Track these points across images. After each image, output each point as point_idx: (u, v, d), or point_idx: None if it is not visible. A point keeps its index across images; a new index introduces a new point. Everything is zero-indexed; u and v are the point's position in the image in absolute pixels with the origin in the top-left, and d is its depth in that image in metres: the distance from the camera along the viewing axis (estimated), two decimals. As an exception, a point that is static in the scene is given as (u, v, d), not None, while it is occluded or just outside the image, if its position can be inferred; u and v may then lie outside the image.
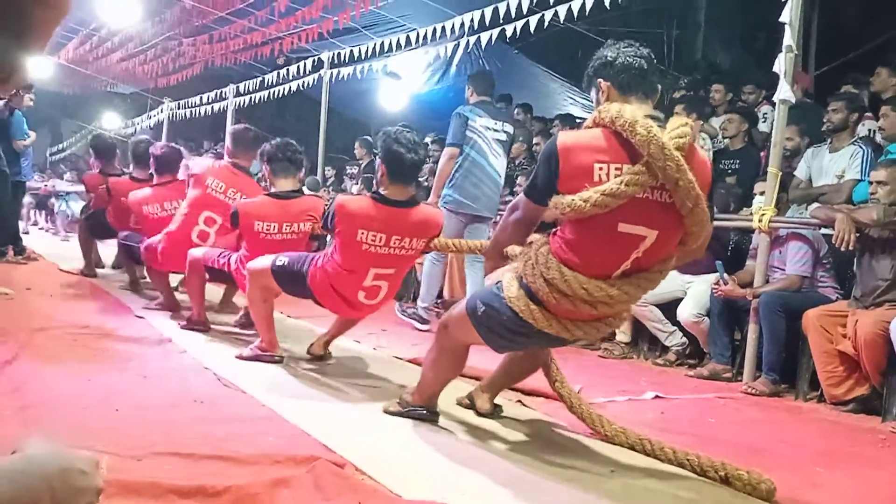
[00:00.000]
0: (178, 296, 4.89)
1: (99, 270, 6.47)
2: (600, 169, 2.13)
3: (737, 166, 5.32)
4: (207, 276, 4.18)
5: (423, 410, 2.73)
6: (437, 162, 7.65)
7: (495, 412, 2.91)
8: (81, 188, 9.40)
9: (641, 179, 2.09)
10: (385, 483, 2.09)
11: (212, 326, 4.25)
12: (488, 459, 2.39)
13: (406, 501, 1.99)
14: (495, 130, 5.16)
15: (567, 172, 2.17)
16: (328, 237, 3.69)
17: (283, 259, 3.38)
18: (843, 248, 3.69)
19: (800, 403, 3.82)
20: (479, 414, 2.90)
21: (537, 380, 3.10)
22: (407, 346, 4.39)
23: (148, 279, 5.41)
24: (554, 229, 2.37)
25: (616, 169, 2.13)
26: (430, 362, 2.71)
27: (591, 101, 2.42)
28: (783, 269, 4.15)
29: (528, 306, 2.31)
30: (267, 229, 3.71)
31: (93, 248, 6.41)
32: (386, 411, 2.81)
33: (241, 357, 3.55)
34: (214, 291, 4.79)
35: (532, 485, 2.19)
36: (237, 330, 4.34)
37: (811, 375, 3.85)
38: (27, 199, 11.74)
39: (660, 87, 2.34)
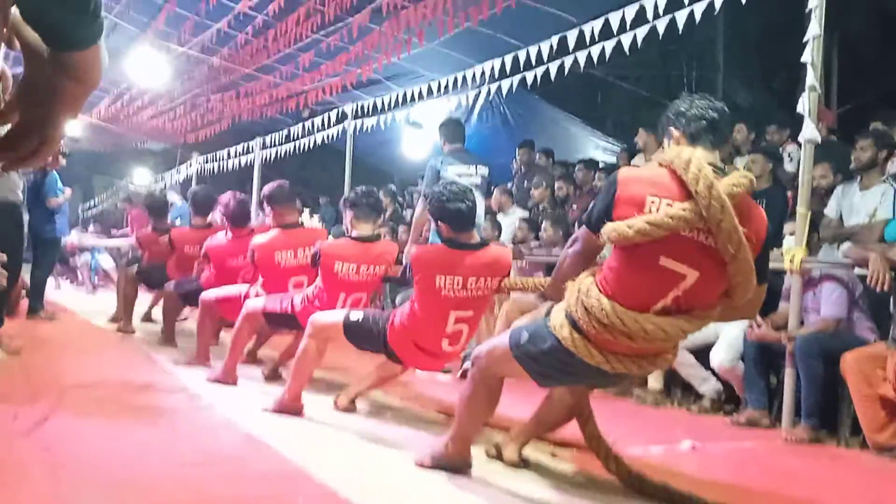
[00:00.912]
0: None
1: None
2: (652, 202, 2.21)
3: (763, 206, 5.24)
4: (267, 323, 4.31)
5: (456, 461, 2.70)
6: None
7: (522, 463, 2.88)
8: (113, 243, 9.59)
9: (687, 216, 2.14)
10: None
11: (238, 379, 4.26)
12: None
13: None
14: (469, 175, 5.36)
15: (622, 200, 2.25)
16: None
17: (357, 315, 3.49)
18: (878, 289, 3.61)
19: (842, 450, 3.69)
20: (507, 464, 2.86)
21: (570, 431, 3.04)
22: (436, 395, 4.35)
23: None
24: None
25: (668, 205, 2.20)
26: (464, 400, 2.70)
27: (665, 145, 2.50)
28: (818, 311, 4.06)
29: (571, 335, 2.35)
30: (346, 270, 3.84)
31: (135, 303, 6.43)
32: (418, 464, 2.77)
33: (266, 410, 3.57)
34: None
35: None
36: (263, 383, 4.34)
37: (853, 420, 3.73)
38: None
39: (730, 139, 2.40)
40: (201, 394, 3.90)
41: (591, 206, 2.43)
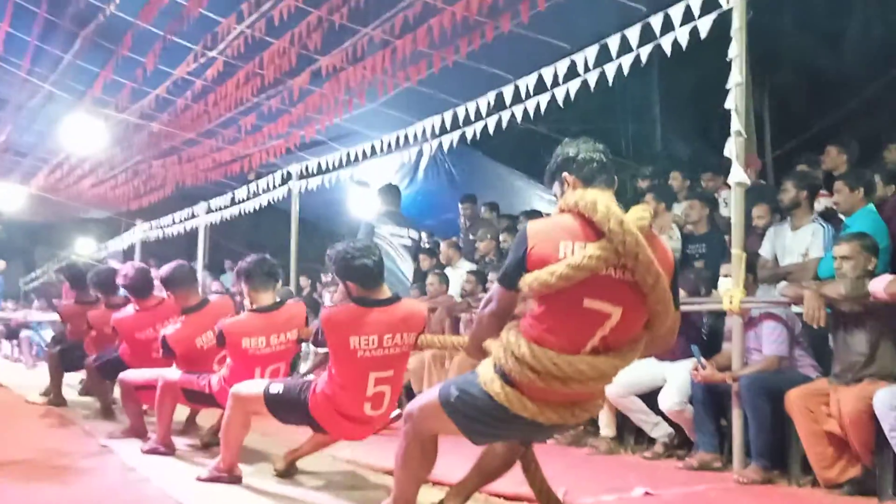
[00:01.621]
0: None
1: (67, 398, 6.25)
2: (565, 247, 2.24)
3: (703, 250, 5.36)
4: (184, 399, 4.13)
5: None
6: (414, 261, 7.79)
7: None
8: (53, 317, 9.26)
9: (604, 255, 2.19)
10: None
11: (176, 449, 4.11)
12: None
13: None
14: (400, 236, 5.62)
15: (535, 252, 2.27)
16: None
17: (277, 387, 3.33)
18: (815, 325, 3.67)
19: (794, 489, 3.68)
20: None
21: (518, 483, 2.97)
22: (384, 454, 4.21)
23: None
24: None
25: (581, 247, 2.23)
26: (399, 460, 2.62)
27: (555, 196, 2.55)
28: (760, 351, 4.10)
29: (502, 389, 2.32)
30: (255, 345, 3.71)
31: (62, 377, 6.22)
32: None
33: (200, 479, 3.44)
34: (177, 412, 4.61)
35: None
36: (201, 452, 4.19)
37: (802, 458, 3.73)
38: (-2, 327, 11.54)
39: (616, 178, 2.49)
40: (136, 467, 3.73)
41: (504, 264, 2.43)
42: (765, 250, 4.76)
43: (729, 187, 5.16)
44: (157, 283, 5.09)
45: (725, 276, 4.27)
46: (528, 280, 2.24)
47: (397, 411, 3.30)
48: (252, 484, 3.45)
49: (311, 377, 3.40)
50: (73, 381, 6.62)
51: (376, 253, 3.21)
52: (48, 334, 10.72)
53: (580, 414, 2.45)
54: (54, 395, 6.12)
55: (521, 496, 3.11)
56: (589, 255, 2.18)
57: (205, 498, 3.15)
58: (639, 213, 2.29)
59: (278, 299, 3.99)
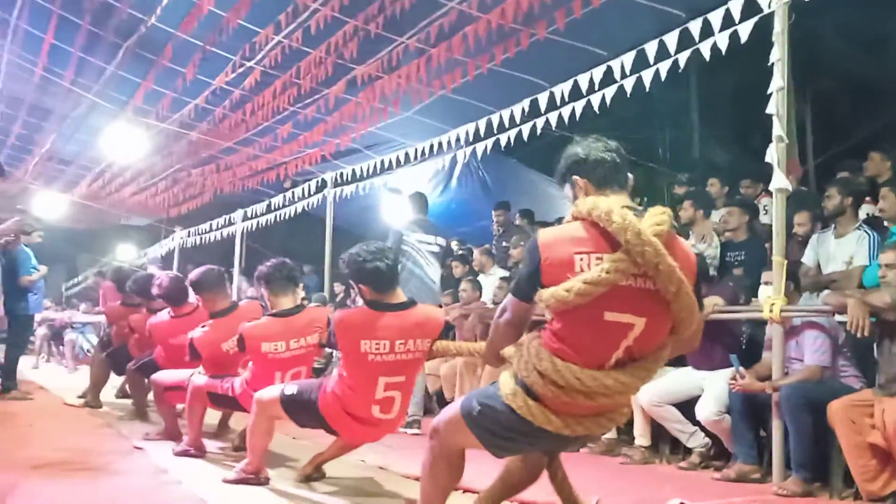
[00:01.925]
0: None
1: (103, 400, 6.37)
2: (581, 259, 2.13)
3: (742, 258, 5.23)
4: (210, 402, 4.17)
5: None
6: (448, 269, 7.79)
7: None
8: (97, 318, 9.46)
9: (622, 266, 2.08)
10: None
11: (207, 451, 4.16)
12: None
13: None
14: (428, 244, 5.84)
15: (549, 266, 2.16)
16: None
17: (291, 388, 3.35)
18: (859, 335, 3.56)
19: (835, 502, 3.57)
20: None
21: (549, 493, 2.92)
22: (417, 462, 4.18)
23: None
24: (544, 324, 2.31)
25: (597, 259, 2.12)
26: (425, 473, 2.57)
27: (567, 199, 2.42)
28: (801, 360, 3.99)
29: (525, 402, 2.24)
30: (275, 349, 3.71)
31: (106, 381, 6.38)
32: (388, 536, 2.63)
33: (227, 481, 3.47)
34: (211, 415, 4.66)
35: None
36: (233, 454, 4.21)
37: (844, 471, 3.61)
38: (42, 331, 11.78)
39: (631, 177, 2.37)
40: (168, 469, 3.76)
41: (517, 275, 2.34)
42: (807, 258, 4.64)
43: (769, 194, 5.09)
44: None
45: (766, 283, 4.18)
46: (544, 297, 2.14)
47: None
48: (278, 486, 3.46)
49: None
50: (109, 384, 6.74)
51: (390, 256, 3.16)
52: (93, 338, 10.96)
53: (607, 424, 2.37)
54: (92, 398, 6.25)
55: (552, 505, 3.06)
56: (606, 270, 2.07)
57: (232, 500, 3.15)
58: (656, 219, 2.16)
59: (301, 303, 4.01)
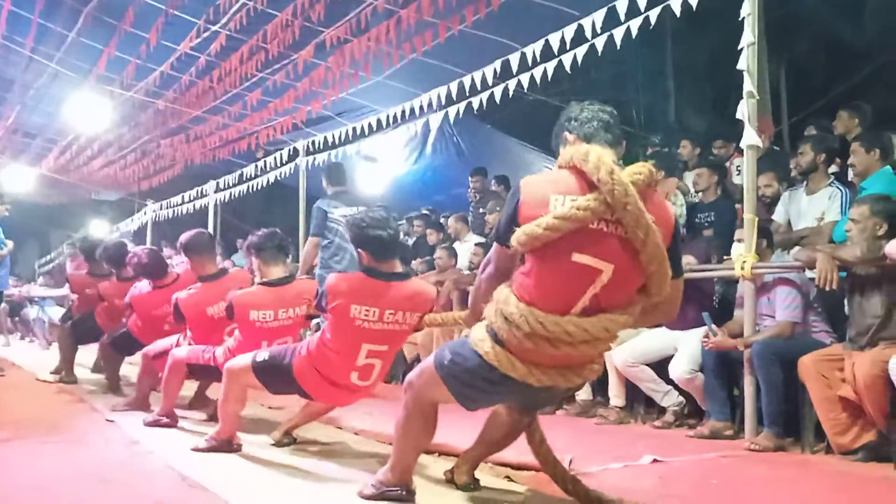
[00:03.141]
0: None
1: (78, 375, 6.28)
2: (556, 200, 2.18)
3: (712, 219, 5.24)
4: (190, 374, 4.15)
5: (398, 489, 2.58)
6: (421, 236, 7.76)
7: (473, 485, 2.78)
8: (56, 293, 9.30)
9: (594, 205, 2.11)
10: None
11: (179, 421, 4.14)
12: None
13: None
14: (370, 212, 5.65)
15: (525, 205, 2.21)
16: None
17: (263, 355, 3.32)
18: (827, 288, 3.58)
19: (807, 456, 3.61)
20: (458, 487, 2.76)
21: (523, 453, 2.93)
22: (388, 424, 4.18)
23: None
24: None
25: (572, 200, 2.15)
26: (399, 428, 2.59)
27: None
28: (773, 317, 4.01)
29: (492, 348, 2.27)
30: (263, 318, 3.68)
31: (75, 353, 6.26)
32: (360, 495, 2.64)
33: (196, 449, 3.46)
34: (187, 387, 4.62)
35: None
36: (208, 424, 4.16)
37: (816, 425, 3.66)
38: (2, 305, 11.58)
39: (623, 140, 2.42)
40: (140, 439, 3.72)
41: (497, 222, 2.38)
42: (778, 215, 4.65)
43: (742, 154, 5.08)
44: (170, 260, 5.17)
45: (738, 241, 4.18)
46: (517, 234, 2.18)
47: None
48: (250, 453, 3.44)
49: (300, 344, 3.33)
50: (84, 360, 6.65)
51: (393, 226, 3.15)
52: (54, 312, 10.81)
53: (573, 378, 2.37)
54: (66, 373, 6.14)
55: (527, 465, 3.06)
56: (577, 206, 2.11)
57: (205, 468, 3.12)
58: (636, 168, 2.21)
59: (292, 273, 3.97)
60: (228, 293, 3.83)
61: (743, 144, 4.02)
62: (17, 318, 11.84)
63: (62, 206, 15.71)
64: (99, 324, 5.78)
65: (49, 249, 18.17)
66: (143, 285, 5.08)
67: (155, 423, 4.07)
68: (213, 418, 4.18)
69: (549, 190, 2.20)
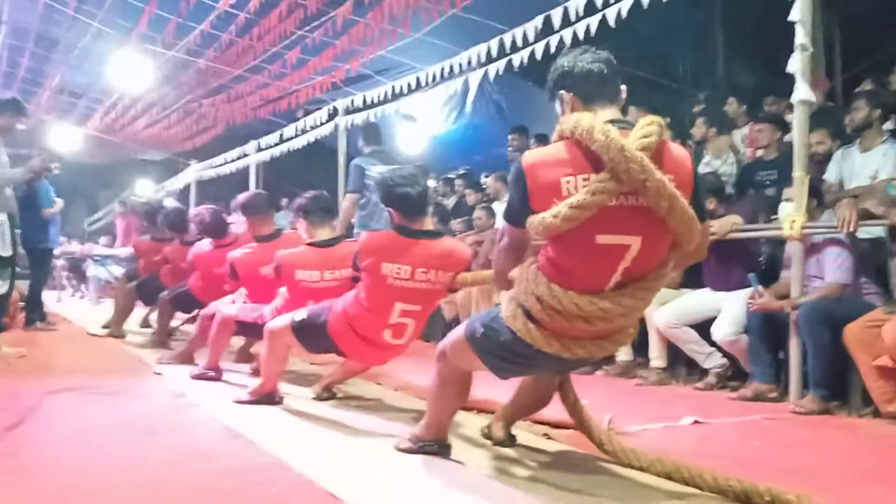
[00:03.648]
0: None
1: (126, 329, 6.48)
2: (567, 182, 2.03)
3: (774, 177, 4.99)
4: (239, 331, 4.26)
5: (434, 445, 2.60)
6: (461, 196, 7.71)
7: (509, 442, 2.78)
8: (116, 252, 9.56)
9: (608, 187, 1.97)
10: (392, 530, 1.93)
11: (224, 375, 4.25)
12: (509, 495, 2.21)
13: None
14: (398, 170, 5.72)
15: (536, 190, 2.07)
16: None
17: (301, 314, 3.36)
18: (844, 231, 3.55)
19: (853, 420, 3.53)
20: (494, 443, 2.77)
21: (563, 411, 2.92)
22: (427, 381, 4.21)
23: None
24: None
25: (584, 180, 2.02)
26: (433, 394, 2.60)
27: (558, 114, 2.28)
28: (821, 278, 3.90)
29: (525, 325, 2.20)
30: (308, 277, 3.70)
31: (131, 312, 6.50)
32: (397, 449, 2.68)
33: (239, 401, 3.54)
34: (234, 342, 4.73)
35: (554, 523, 1.99)
36: (251, 378, 4.24)
37: (863, 388, 3.56)
38: (60, 262, 11.92)
39: (624, 89, 2.23)
40: (186, 392, 3.81)
41: (507, 200, 2.25)
42: (830, 174, 4.48)
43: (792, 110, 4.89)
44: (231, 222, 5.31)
45: (787, 200, 4.05)
46: (533, 223, 2.07)
47: None
48: (292, 406, 3.51)
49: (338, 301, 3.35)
50: (134, 316, 6.84)
51: (421, 183, 3.10)
52: (115, 270, 11.09)
53: (609, 347, 2.31)
54: (114, 327, 6.36)
55: (565, 423, 3.05)
56: (591, 192, 1.97)
57: (248, 420, 3.19)
58: (643, 131, 2.02)
59: (338, 235, 4.00)
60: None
61: (794, 100, 3.86)
62: (72, 275, 12.19)
63: (108, 165, 16.03)
64: (165, 285, 5.92)
65: (97, 208, 18.58)
66: (205, 244, 5.23)
67: (201, 377, 4.19)
68: (257, 373, 4.26)
69: (559, 172, 2.04)
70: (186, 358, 4.68)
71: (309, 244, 3.83)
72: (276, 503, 2.08)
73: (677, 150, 2.15)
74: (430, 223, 3.16)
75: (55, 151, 8.21)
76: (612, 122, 2.06)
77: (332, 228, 3.93)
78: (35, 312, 6.93)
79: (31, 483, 2.31)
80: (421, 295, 3.10)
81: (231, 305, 4.26)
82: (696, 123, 5.38)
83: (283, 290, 3.92)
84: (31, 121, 11.27)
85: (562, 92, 2.21)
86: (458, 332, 2.47)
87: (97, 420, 3.19)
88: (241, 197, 4.60)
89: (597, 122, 2.01)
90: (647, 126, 2.03)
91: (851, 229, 3.51)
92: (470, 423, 3.10)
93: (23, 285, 7.28)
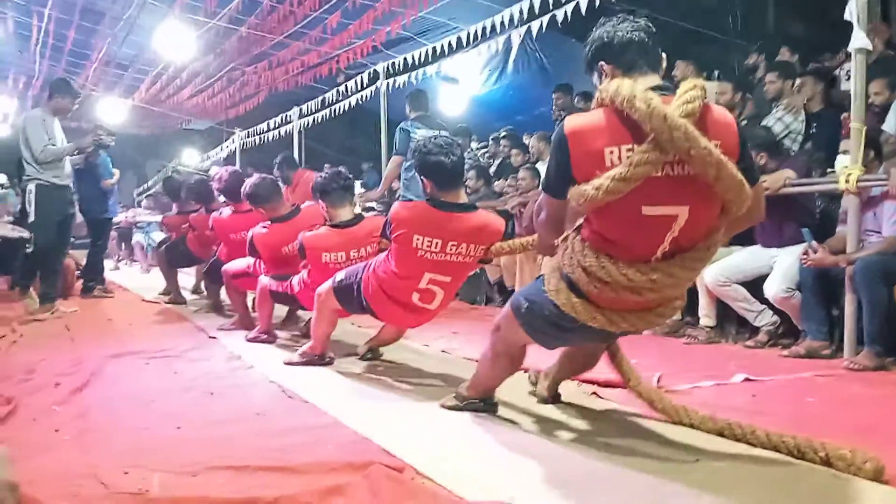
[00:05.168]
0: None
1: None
2: (611, 153, 1.98)
3: (814, 130, 4.90)
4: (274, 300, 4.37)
5: (480, 403, 2.65)
6: (506, 157, 7.66)
7: (552, 399, 2.81)
8: (160, 217, 9.80)
9: (651, 157, 1.92)
10: (446, 485, 1.98)
11: (278, 337, 4.40)
12: (557, 453, 2.23)
13: (468, 503, 1.86)
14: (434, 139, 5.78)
15: (579, 159, 2.02)
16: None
17: (340, 275, 3.41)
18: None
19: (911, 376, 3.46)
20: (541, 401, 2.80)
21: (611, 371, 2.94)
22: (480, 348, 4.23)
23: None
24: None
25: (627, 150, 1.96)
26: (485, 364, 2.63)
27: (598, 83, 2.20)
28: (879, 233, 3.79)
29: (569, 299, 2.19)
30: (335, 259, 3.72)
31: (176, 274, 6.63)
32: (442, 406, 2.74)
33: (289, 363, 3.65)
34: (280, 308, 4.81)
35: (605, 477, 2.02)
36: (302, 340, 4.36)
37: (921, 345, 3.49)
38: (112, 233, 12.24)
39: (664, 55, 2.17)
40: (241, 355, 3.92)
41: (546, 170, 2.19)
42: (888, 125, 4.32)
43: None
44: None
45: (843, 152, 3.93)
46: (574, 195, 2.02)
47: None
48: (342, 368, 3.60)
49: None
50: (187, 283, 7.02)
51: (456, 153, 3.03)
52: (158, 236, 11.35)
53: (654, 319, 2.29)
54: (174, 294, 6.54)
55: (613, 382, 3.06)
56: (635, 163, 1.91)
57: (302, 381, 3.27)
58: (686, 97, 1.95)
59: (360, 212, 4.00)
60: (300, 233, 3.88)
61: (851, 48, 3.72)
62: (124, 243, 12.51)
63: (155, 136, 16.34)
64: (190, 249, 6.15)
65: (146, 179, 18.96)
66: (225, 210, 5.31)
67: (255, 339, 4.34)
68: (307, 335, 4.36)
69: (602, 142, 1.99)
70: (245, 321, 4.79)
71: (332, 226, 3.82)
72: (334, 458, 2.14)
73: (721, 112, 2.08)
74: (462, 195, 3.10)
75: (106, 125, 8.36)
76: (653, 88, 2.01)
77: (351, 206, 3.89)
78: (94, 280, 7.16)
79: (105, 441, 2.41)
80: (451, 266, 3.07)
81: (264, 277, 4.33)
82: (768, 77, 5.19)
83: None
84: (80, 95, 11.56)
85: (601, 63, 2.16)
86: (507, 308, 2.48)
87: (158, 383, 3.31)
88: (247, 187, 4.54)
89: (637, 89, 1.96)
90: (690, 91, 1.97)
91: None
92: (517, 380, 3.13)
93: (78, 254, 7.55)
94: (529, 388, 2.92)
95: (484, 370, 2.64)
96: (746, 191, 2.01)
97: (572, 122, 2.08)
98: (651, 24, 2.16)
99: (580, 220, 2.24)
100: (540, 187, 2.29)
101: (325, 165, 10.42)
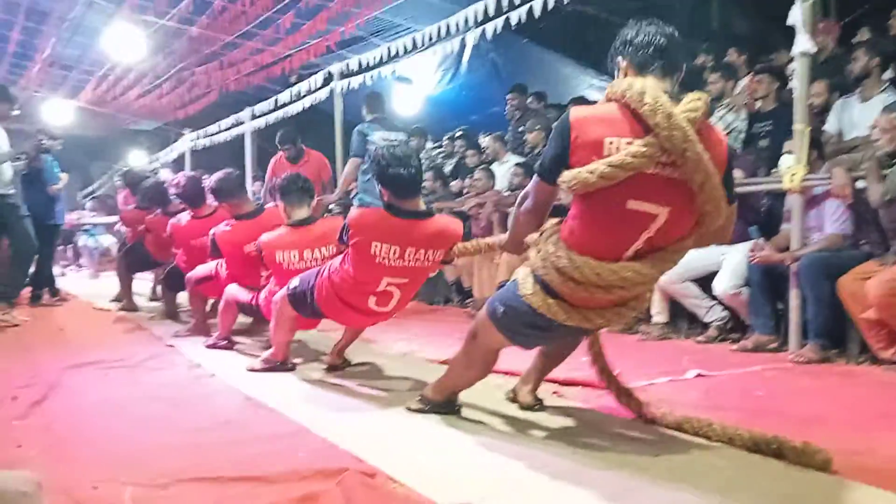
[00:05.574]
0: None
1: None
2: (611, 143, 2.08)
3: (770, 128, 5.00)
4: (240, 311, 4.37)
5: (443, 405, 2.72)
6: (461, 158, 7.72)
7: (537, 405, 2.85)
8: (105, 220, 9.58)
9: (650, 151, 2.03)
10: (419, 489, 2.01)
11: (236, 343, 4.38)
12: (526, 454, 2.30)
13: (440, 506, 1.91)
14: (391, 140, 5.87)
15: (579, 146, 2.12)
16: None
17: (294, 282, 3.43)
18: (843, 202, 3.66)
19: (852, 367, 3.63)
20: (522, 407, 2.84)
21: (571, 369, 3.02)
22: (441, 349, 4.29)
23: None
24: (564, 217, 2.31)
25: (627, 143, 2.07)
26: (457, 368, 2.69)
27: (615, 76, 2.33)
28: (821, 230, 3.97)
29: (545, 301, 2.28)
30: (289, 258, 3.72)
31: (132, 281, 6.51)
32: (408, 409, 2.79)
33: (252, 369, 3.66)
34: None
35: (573, 475, 2.09)
36: (265, 349, 4.32)
37: (861, 337, 3.67)
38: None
39: (683, 64, 2.27)
40: (201, 363, 3.89)
41: (543, 155, 2.28)
42: (830, 125, 4.52)
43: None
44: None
45: (787, 152, 4.10)
46: (566, 178, 2.10)
47: None
48: (304, 374, 3.61)
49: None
50: (141, 289, 6.89)
51: (414, 164, 3.04)
52: (105, 239, 11.09)
53: (627, 314, 2.40)
54: (126, 301, 6.40)
55: (574, 381, 3.16)
56: (633, 154, 2.02)
57: (265, 388, 3.28)
58: (690, 105, 2.08)
59: (314, 215, 4.02)
60: (261, 235, 3.87)
61: (795, 52, 3.88)
62: (68, 247, 12.18)
63: (101, 137, 15.90)
64: (150, 253, 6.06)
65: (91, 181, 18.46)
66: (183, 216, 5.22)
67: (214, 346, 4.32)
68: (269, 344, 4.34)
69: (604, 131, 2.09)
70: (202, 329, 4.76)
71: (288, 225, 3.84)
72: (306, 466, 2.16)
73: (716, 131, 2.23)
74: (420, 203, 3.10)
75: (51, 128, 8.14)
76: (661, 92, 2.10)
77: (308, 208, 3.91)
78: (43, 288, 6.98)
79: (71, 455, 2.38)
80: (410, 271, 3.09)
81: (234, 286, 4.29)
82: (710, 77, 5.36)
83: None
84: (21, 94, 11.20)
85: (619, 58, 2.26)
86: (482, 314, 2.53)
87: (120, 394, 3.27)
88: (211, 180, 4.50)
89: (648, 88, 2.06)
90: (695, 101, 2.10)
91: (848, 202, 3.60)
92: (484, 384, 3.18)
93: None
94: (508, 394, 2.95)
95: (456, 374, 2.70)
96: (724, 206, 2.14)
97: (577, 110, 2.19)
98: (676, 33, 2.24)
99: (555, 220, 2.34)
100: (535, 171, 2.34)
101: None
